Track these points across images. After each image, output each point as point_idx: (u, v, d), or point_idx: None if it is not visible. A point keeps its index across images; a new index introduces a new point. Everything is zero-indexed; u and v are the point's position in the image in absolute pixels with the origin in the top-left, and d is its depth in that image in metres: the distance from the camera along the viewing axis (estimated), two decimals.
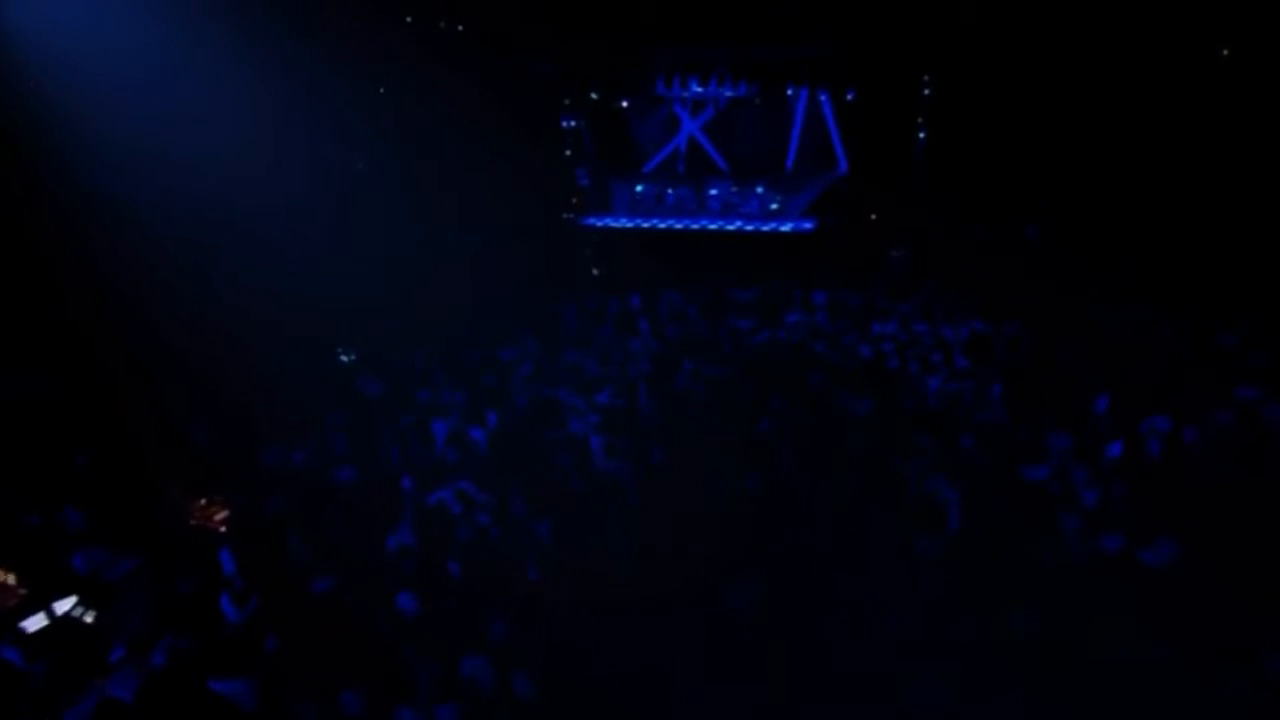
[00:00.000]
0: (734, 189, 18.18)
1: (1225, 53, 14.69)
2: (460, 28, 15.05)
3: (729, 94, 17.37)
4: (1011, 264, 13.71)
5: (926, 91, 17.11)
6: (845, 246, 16.54)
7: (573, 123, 18.38)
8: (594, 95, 18.16)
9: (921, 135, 17.36)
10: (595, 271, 16.06)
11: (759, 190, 17.89)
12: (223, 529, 6.91)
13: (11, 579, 6.11)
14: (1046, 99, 15.32)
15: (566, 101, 18.19)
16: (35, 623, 5.70)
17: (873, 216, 17.39)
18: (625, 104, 18.25)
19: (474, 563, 6.55)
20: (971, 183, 16.32)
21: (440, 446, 8.56)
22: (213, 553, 6.36)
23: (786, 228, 17.41)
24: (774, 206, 17.85)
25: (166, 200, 9.82)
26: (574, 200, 18.73)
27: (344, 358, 10.68)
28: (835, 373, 10.21)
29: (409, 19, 14.65)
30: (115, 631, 5.54)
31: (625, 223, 18.23)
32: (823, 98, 17.38)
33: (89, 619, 5.74)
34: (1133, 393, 8.26)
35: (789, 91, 17.44)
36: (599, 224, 18.30)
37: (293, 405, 9.22)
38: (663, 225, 18.01)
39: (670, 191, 18.42)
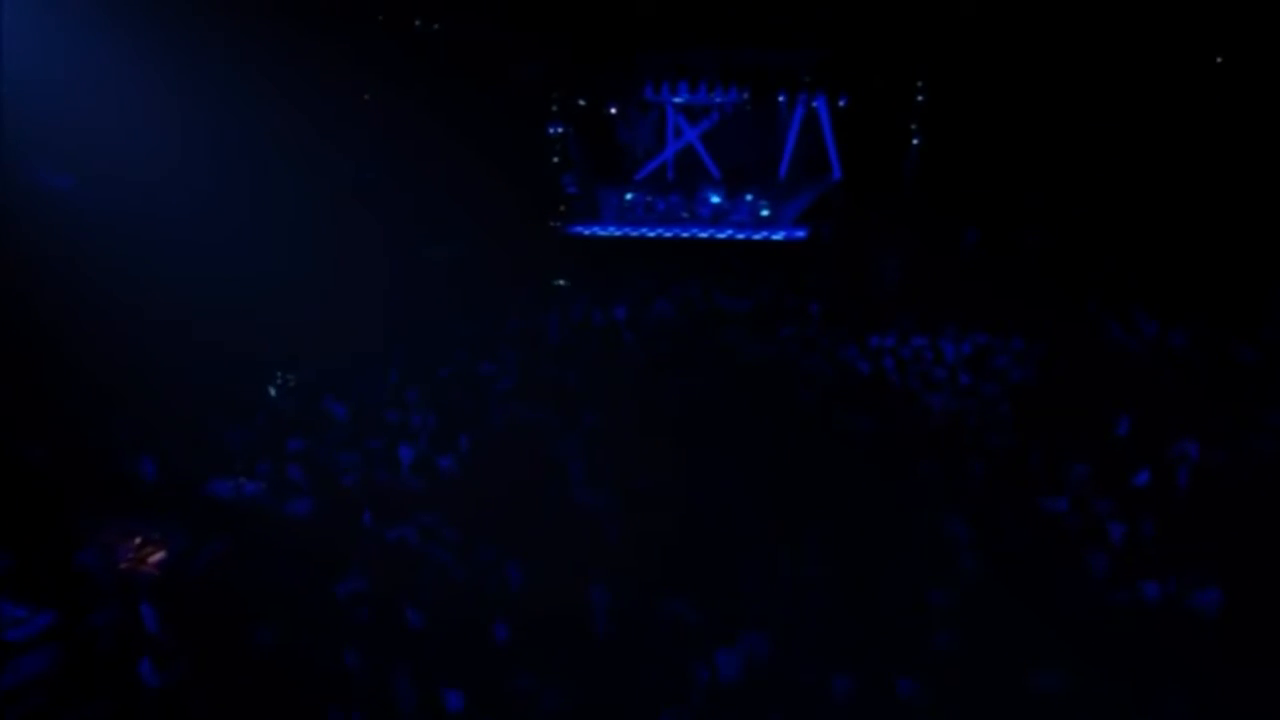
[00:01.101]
0: (725, 196, 17.46)
1: (1219, 59, 14.23)
2: (436, 26, 14.25)
3: (720, 99, 16.66)
4: (1011, 272, 13.02)
5: (920, 98, 16.49)
6: (839, 255, 15.80)
7: (559, 129, 17.63)
8: (581, 102, 17.42)
9: (915, 141, 16.73)
10: (561, 282, 15.14)
11: (748, 198, 17.16)
12: (155, 574, 6.08)
13: None
14: (1043, 102, 14.69)
15: (554, 108, 17.45)
16: None
17: (866, 224, 16.65)
18: (613, 110, 17.50)
19: (436, 613, 5.75)
20: (967, 188, 15.68)
21: (406, 473, 7.77)
22: (144, 602, 5.54)
23: (779, 236, 16.67)
24: (764, 213, 17.11)
25: (86, 208, 9.00)
26: (561, 208, 17.96)
27: (281, 380, 9.56)
28: (831, 390, 9.46)
29: (379, 17, 13.87)
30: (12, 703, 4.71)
31: (614, 231, 17.46)
32: (818, 104, 16.67)
33: None
34: (1155, 413, 7.51)
35: (780, 98, 16.76)
36: (586, 232, 17.52)
37: (249, 429, 8.41)
38: (652, 234, 17.24)
39: (660, 200, 17.69)
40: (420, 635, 5.65)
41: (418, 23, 14.27)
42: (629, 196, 17.73)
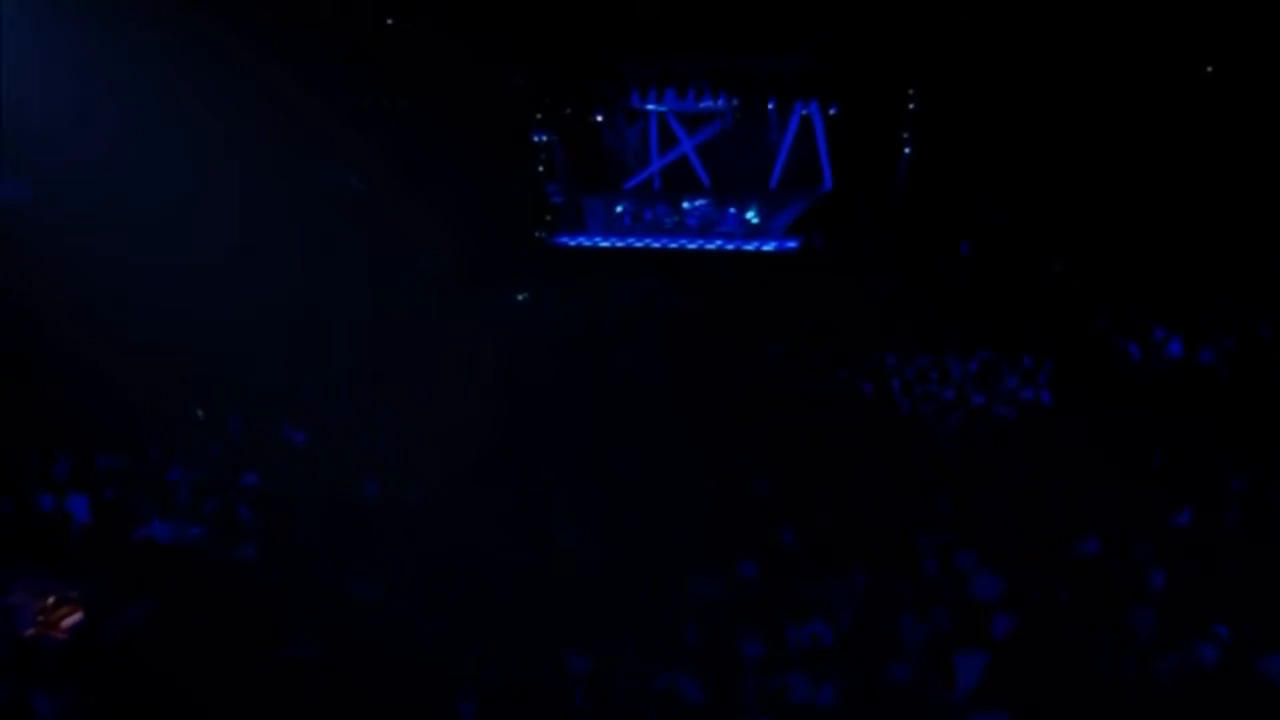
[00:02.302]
0: (714, 205, 16.73)
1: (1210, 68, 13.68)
2: (415, 31, 13.43)
3: (720, 107, 15.90)
4: (1012, 284, 12.33)
5: (912, 105, 15.82)
6: (832, 267, 15.04)
7: (544, 137, 16.84)
8: (568, 110, 16.64)
9: (907, 150, 16.05)
10: (520, 297, 14.31)
11: (731, 210, 16.41)
12: (66, 640, 5.20)
13: None
14: (1039, 110, 14.05)
15: (538, 115, 16.65)
16: None
17: (858, 234, 15.91)
18: (600, 117, 16.73)
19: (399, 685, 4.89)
20: (961, 198, 15.03)
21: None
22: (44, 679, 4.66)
23: (769, 247, 15.92)
24: (753, 220, 16.38)
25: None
26: (546, 218, 17.16)
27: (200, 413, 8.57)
28: (829, 413, 8.67)
29: (360, 22, 13.06)
30: None
31: (600, 242, 16.68)
32: (810, 111, 15.97)
33: None
34: (1193, 441, 6.74)
35: (770, 105, 16.04)
36: (572, 243, 16.73)
37: (196, 461, 7.53)
38: (639, 244, 16.46)
39: (648, 209, 16.95)
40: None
41: (396, 27, 13.44)
42: (619, 208, 16.99)
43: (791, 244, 15.86)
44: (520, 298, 14.38)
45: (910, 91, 15.62)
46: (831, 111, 15.98)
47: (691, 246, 16.16)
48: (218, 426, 8.32)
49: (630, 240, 16.64)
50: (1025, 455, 7.27)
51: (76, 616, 5.37)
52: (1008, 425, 7.84)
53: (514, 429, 8.19)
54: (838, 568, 5.66)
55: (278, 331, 10.59)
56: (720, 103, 15.72)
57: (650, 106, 16.20)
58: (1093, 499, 6.31)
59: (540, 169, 17.02)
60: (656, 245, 16.34)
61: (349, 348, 10.53)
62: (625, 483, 7.09)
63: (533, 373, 10.36)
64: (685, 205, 16.87)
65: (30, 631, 5.23)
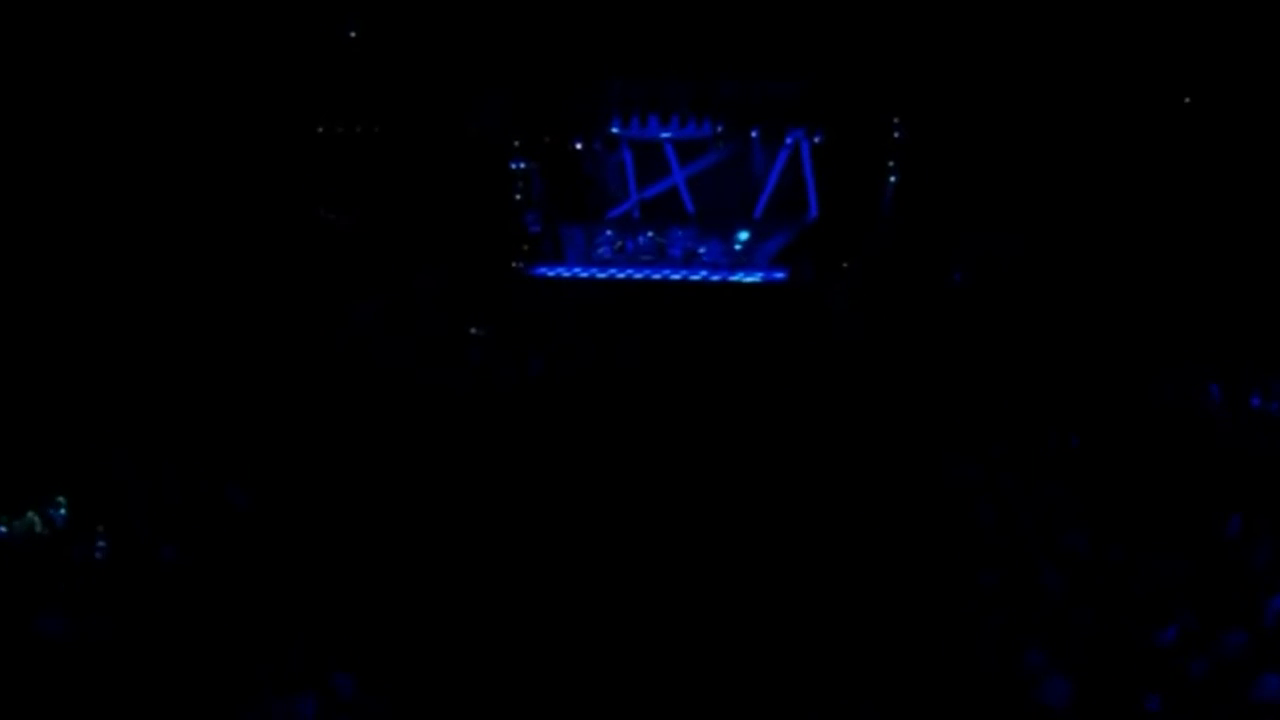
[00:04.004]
0: (697, 235, 15.90)
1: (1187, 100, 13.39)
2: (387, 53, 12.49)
3: (693, 133, 15.17)
4: (1026, 321, 11.63)
5: (897, 134, 15.26)
6: (821, 303, 14.26)
7: (522, 164, 15.91)
8: (547, 137, 15.76)
9: (892, 179, 15.46)
10: (474, 330, 13.26)
11: (716, 240, 15.62)
12: None
13: None
14: (1029, 135, 13.58)
15: (516, 142, 15.74)
16: None
17: (845, 265, 15.23)
18: (579, 144, 15.88)
19: None
20: (951, 225, 14.46)
21: None
22: None
23: (756, 278, 15.14)
24: (738, 247, 15.58)
25: None
26: (524, 248, 16.18)
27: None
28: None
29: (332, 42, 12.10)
30: None
31: (580, 273, 15.74)
32: (797, 138, 15.31)
33: None
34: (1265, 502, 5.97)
35: (754, 134, 15.37)
36: (551, 274, 15.76)
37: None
38: (621, 275, 15.56)
39: (629, 239, 16.06)
40: None
41: (367, 49, 12.49)
42: (599, 238, 16.10)
43: (779, 275, 15.09)
44: (475, 331, 13.21)
45: (896, 119, 15.10)
46: (816, 139, 15.34)
47: (675, 278, 15.31)
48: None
49: (611, 271, 15.73)
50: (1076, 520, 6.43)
51: None
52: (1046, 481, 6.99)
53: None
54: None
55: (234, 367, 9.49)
56: (705, 130, 14.98)
57: (633, 133, 15.37)
58: (1163, 578, 5.49)
59: (517, 197, 16.09)
60: (639, 276, 15.45)
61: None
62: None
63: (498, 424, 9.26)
64: (667, 235, 16.03)
65: None
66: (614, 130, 15.35)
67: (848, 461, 7.92)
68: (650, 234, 16.04)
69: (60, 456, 7.08)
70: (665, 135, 15.43)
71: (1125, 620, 5.20)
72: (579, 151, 15.95)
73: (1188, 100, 13.43)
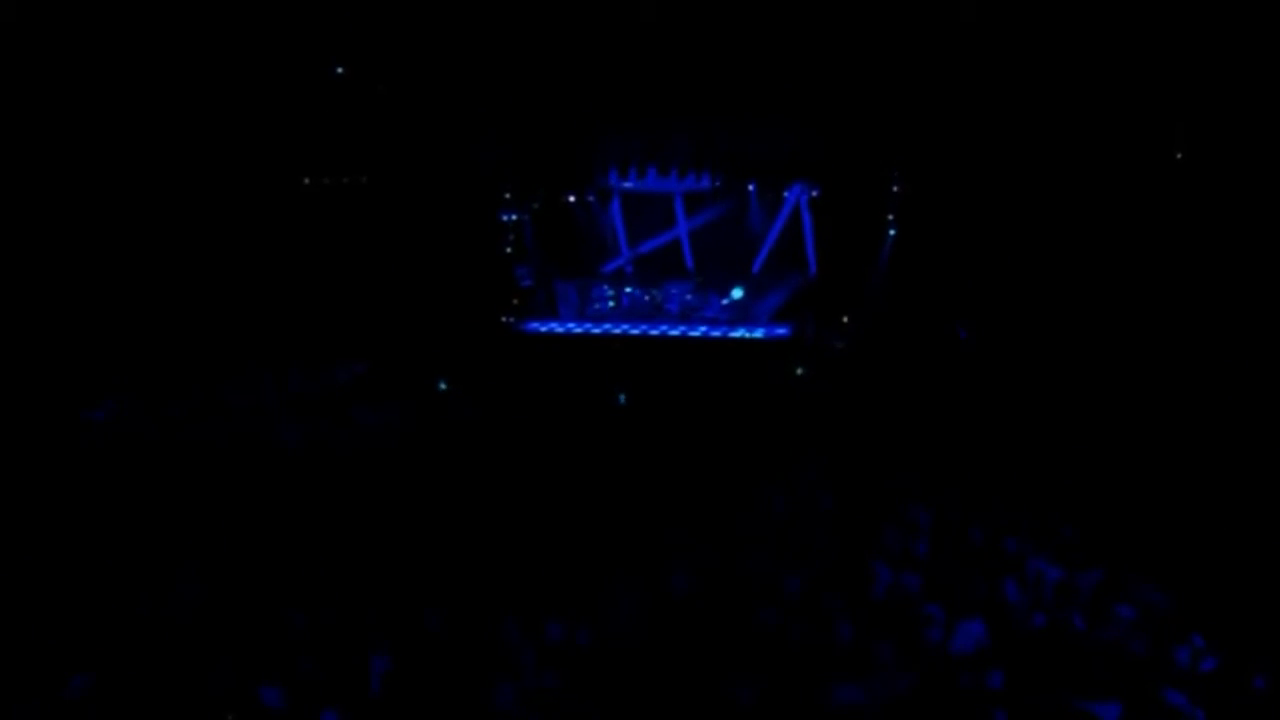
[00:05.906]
0: (695, 290, 15.19)
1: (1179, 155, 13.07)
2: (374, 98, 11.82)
3: (691, 186, 14.62)
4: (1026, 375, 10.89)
5: (895, 188, 14.79)
6: (823, 356, 13.45)
7: (513, 216, 15.22)
8: (540, 189, 15.14)
9: (891, 233, 14.91)
10: (442, 386, 12.26)
11: (714, 295, 14.92)
12: None
13: None
14: (1031, 193, 13.12)
15: (507, 194, 15.08)
16: None
17: (845, 320, 14.53)
18: (572, 197, 15.26)
19: None
20: (953, 282, 13.86)
21: None
22: None
23: (757, 334, 14.37)
24: (737, 297, 14.85)
25: None
26: (514, 302, 15.36)
27: None
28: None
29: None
30: None
31: (573, 329, 14.90)
32: (800, 195, 14.82)
33: None
34: None
35: (751, 188, 14.86)
36: (543, 329, 14.90)
37: None
38: (617, 330, 14.73)
39: (624, 294, 15.31)
40: None
41: (355, 97, 11.84)
42: (594, 292, 15.34)
43: (781, 331, 14.35)
44: (442, 387, 12.15)
45: (895, 173, 14.65)
46: (814, 194, 14.84)
47: (673, 334, 14.52)
48: None
49: (605, 327, 14.91)
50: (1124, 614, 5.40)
51: None
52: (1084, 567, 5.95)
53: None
54: None
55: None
56: (704, 183, 14.43)
57: (629, 185, 14.78)
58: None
59: (508, 250, 15.36)
60: (635, 332, 14.64)
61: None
62: None
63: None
64: (664, 290, 15.31)
65: None
66: (610, 182, 14.78)
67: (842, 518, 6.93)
68: (646, 293, 15.32)
69: None
70: (662, 188, 14.88)
71: None
72: (573, 204, 15.35)
73: (1179, 155, 13.13)
